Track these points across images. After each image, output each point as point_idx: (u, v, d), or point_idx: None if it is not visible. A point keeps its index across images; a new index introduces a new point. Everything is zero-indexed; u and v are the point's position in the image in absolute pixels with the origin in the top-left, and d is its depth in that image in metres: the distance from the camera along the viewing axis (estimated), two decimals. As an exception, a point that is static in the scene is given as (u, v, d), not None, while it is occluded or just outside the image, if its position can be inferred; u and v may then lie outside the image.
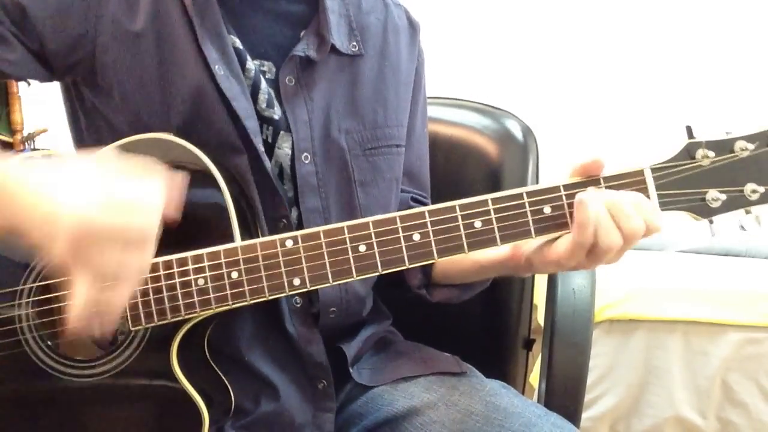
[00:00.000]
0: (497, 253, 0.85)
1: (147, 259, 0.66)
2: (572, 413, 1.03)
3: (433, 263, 0.96)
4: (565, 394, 1.06)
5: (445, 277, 0.96)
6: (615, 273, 1.71)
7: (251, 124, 0.84)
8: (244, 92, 0.84)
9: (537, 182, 1.22)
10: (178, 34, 0.83)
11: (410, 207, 1.00)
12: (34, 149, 2.54)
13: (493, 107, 1.29)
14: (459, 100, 1.32)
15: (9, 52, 0.81)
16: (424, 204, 1.04)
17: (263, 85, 0.87)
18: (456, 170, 1.23)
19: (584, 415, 1.43)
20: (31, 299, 0.77)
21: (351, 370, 0.93)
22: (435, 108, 1.24)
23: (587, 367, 1.07)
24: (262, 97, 0.86)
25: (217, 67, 0.82)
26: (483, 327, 1.21)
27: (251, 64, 0.86)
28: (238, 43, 0.86)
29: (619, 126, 2.56)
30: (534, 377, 1.58)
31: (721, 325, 1.89)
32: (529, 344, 1.23)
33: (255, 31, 0.88)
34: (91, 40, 0.82)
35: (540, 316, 1.42)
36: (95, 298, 0.64)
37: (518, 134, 1.23)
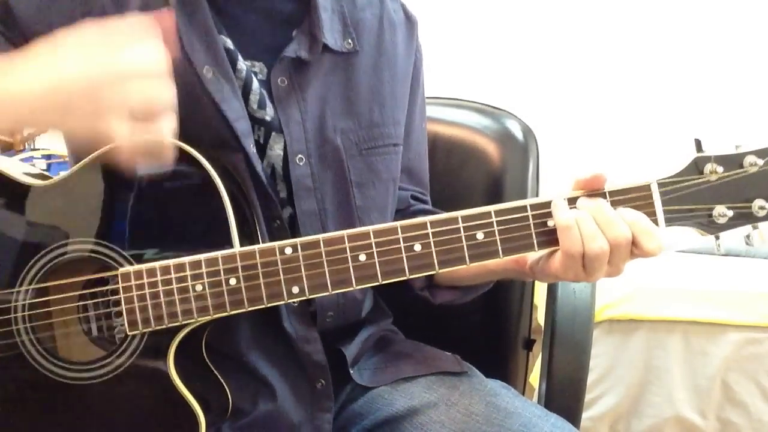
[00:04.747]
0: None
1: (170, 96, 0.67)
2: (572, 413, 1.04)
3: None
4: (565, 394, 1.06)
5: (449, 279, 0.96)
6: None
7: (241, 125, 0.83)
8: (235, 93, 0.84)
9: (537, 183, 1.22)
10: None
11: (410, 205, 1.00)
12: (34, 149, 2.54)
13: (493, 107, 1.29)
14: (459, 100, 1.32)
15: None
16: (424, 201, 1.04)
17: (255, 85, 0.86)
18: (456, 170, 1.23)
19: (584, 415, 1.42)
20: (27, 301, 0.76)
21: (351, 371, 0.93)
22: (435, 108, 1.24)
23: (587, 367, 1.07)
24: (254, 98, 0.86)
25: (205, 69, 0.82)
26: (483, 327, 1.21)
27: (242, 64, 0.86)
28: (229, 44, 0.85)
29: (620, 126, 2.56)
30: (534, 377, 1.58)
31: (721, 325, 1.89)
32: (529, 344, 1.23)
33: (246, 31, 0.87)
34: None
35: (540, 316, 1.42)
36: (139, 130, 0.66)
37: (519, 134, 1.23)
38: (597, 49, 2.59)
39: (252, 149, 0.84)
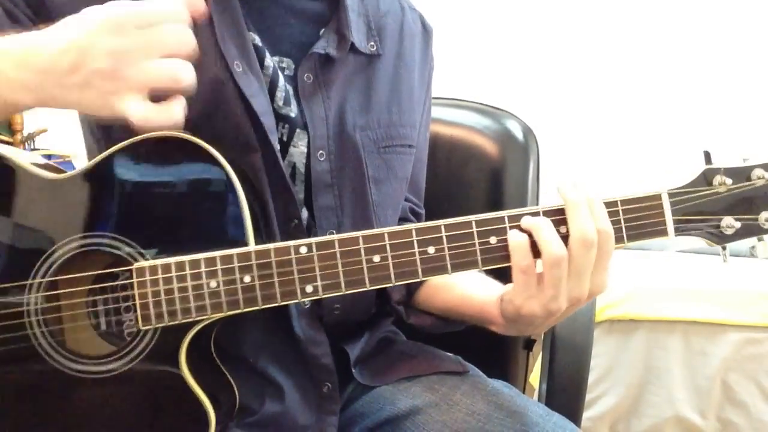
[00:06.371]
0: (488, 293, 0.86)
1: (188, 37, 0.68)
2: (573, 413, 1.04)
3: (420, 284, 0.98)
4: (565, 395, 1.06)
5: (428, 301, 0.97)
6: (615, 273, 1.72)
7: (268, 121, 0.83)
8: (262, 89, 0.84)
9: (538, 183, 1.23)
10: (197, 29, 0.82)
11: (407, 218, 1.01)
12: (34, 149, 2.54)
13: (493, 107, 1.29)
14: (459, 100, 1.32)
15: None
16: (418, 216, 1.05)
17: (281, 82, 0.87)
18: (457, 171, 1.23)
19: (584, 415, 1.43)
20: (40, 294, 0.76)
21: (353, 371, 0.93)
22: (435, 108, 1.24)
23: (588, 368, 1.08)
24: (280, 95, 0.87)
25: (236, 63, 0.82)
26: (483, 326, 1.20)
27: (270, 60, 0.86)
28: (257, 40, 0.86)
29: (620, 126, 2.56)
30: (534, 377, 1.59)
31: (721, 325, 1.90)
32: (529, 344, 1.23)
33: (275, 27, 0.88)
34: None
35: (540, 316, 1.41)
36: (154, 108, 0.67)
37: (519, 134, 1.23)
38: (597, 48, 2.59)
39: (276, 145, 0.84)
